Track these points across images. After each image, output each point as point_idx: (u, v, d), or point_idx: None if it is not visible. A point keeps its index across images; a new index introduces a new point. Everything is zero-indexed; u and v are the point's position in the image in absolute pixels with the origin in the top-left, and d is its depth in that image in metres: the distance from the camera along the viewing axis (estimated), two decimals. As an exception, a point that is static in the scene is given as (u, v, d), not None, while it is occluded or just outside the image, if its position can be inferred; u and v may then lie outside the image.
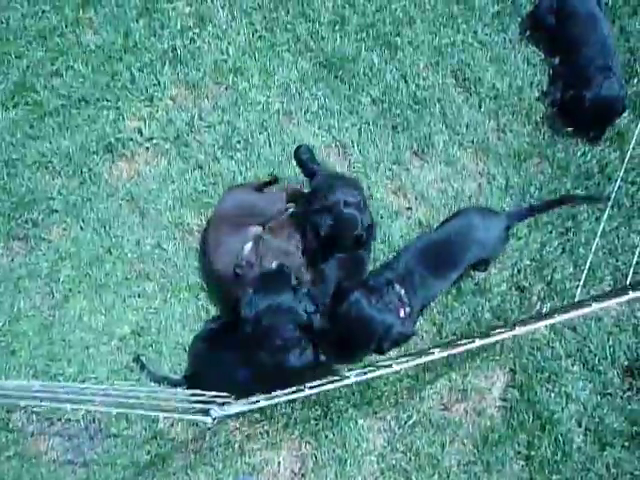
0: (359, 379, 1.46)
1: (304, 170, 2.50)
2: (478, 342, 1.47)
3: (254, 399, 1.76)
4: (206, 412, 1.47)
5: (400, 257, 2.30)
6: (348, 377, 1.54)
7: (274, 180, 2.62)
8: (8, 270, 2.57)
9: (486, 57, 2.93)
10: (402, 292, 2.12)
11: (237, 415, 2.32)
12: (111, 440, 2.39)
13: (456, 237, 2.28)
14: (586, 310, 1.38)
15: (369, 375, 1.46)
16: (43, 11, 2.90)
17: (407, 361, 1.51)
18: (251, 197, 2.48)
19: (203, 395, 1.67)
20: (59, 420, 2.40)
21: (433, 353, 1.44)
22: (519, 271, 2.61)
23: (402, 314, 2.07)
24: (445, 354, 1.46)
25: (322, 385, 1.60)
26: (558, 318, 1.35)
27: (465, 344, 1.50)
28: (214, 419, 1.40)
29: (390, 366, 1.49)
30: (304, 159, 2.48)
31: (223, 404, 1.71)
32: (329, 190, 2.25)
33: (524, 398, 2.45)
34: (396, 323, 2.01)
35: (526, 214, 2.49)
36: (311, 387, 1.60)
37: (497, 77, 2.90)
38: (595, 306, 1.34)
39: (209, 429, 2.31)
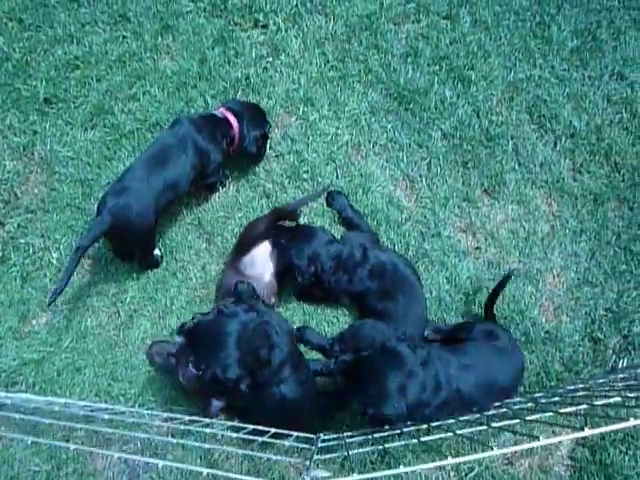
0: (506, 450, 1.36)
1: None
2: (544, 440, 1.26)
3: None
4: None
5: None
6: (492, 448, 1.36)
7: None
8: (78, 288, 2.63)
9: (563, 93, 2.84)
10: None
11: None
12: (166, 467, 2.39)
13: None
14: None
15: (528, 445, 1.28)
16: (124, 36, 2.99)
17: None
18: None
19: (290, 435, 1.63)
20: (118, 441, 2.42)
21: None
22: (593, 321, 2.49)
23: None
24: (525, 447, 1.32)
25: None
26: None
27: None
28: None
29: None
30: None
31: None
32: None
33: (595, 459, 2.31)
34: None
35: None
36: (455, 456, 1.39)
37: (574, 115, 2.80)
38: None
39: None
